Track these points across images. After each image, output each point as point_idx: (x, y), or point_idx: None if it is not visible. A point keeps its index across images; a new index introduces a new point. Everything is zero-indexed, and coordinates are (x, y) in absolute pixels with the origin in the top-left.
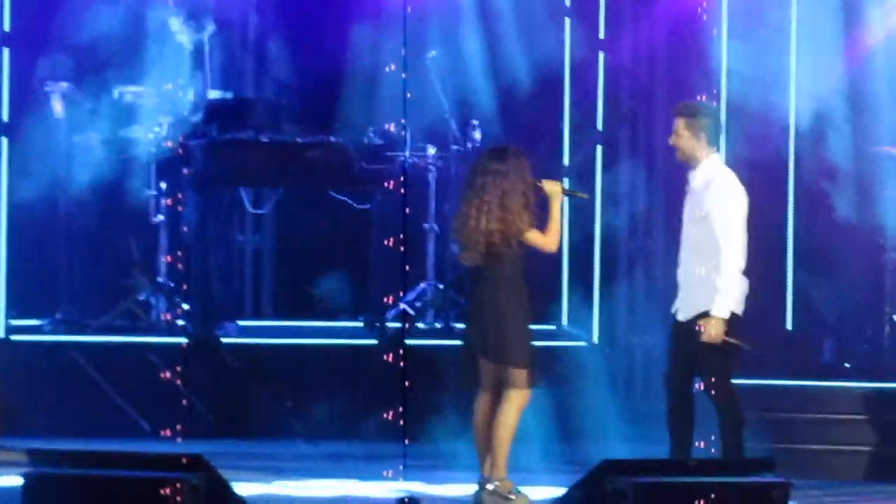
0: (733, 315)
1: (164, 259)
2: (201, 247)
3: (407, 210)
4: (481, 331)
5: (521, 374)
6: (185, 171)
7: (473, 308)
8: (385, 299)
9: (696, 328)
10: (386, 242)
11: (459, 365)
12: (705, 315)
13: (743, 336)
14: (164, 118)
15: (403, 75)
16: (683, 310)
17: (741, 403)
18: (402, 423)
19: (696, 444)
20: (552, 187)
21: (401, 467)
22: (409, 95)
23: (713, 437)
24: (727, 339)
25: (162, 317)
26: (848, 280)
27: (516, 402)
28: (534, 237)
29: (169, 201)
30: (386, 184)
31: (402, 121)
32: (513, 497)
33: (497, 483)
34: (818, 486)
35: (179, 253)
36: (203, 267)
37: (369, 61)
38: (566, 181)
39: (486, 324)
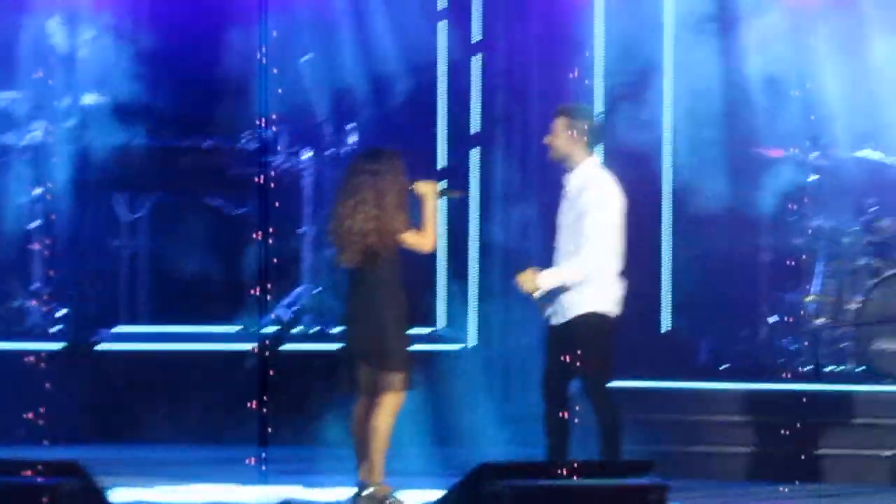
0: (609, 317)
1: (40, 264)
2: (76, 252)
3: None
4: (359, 334)
5: (397, 378)
6: (59, 175)
7: (351, 311)
8: (259, 304)
9: (570, 329)
10: (254, 235)
11: (335, 369)
12: (581, 316)
13: (616, 337)
14: (38, 123)
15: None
16: (558, 314)
17: (618, 406)
18: (267, 427)
19: (573, 448)
20: (426, 188)
21: (262, 468)
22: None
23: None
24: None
25: (37, 323)
26: (724, 281)
27: (391, 406)
28: (409, 238)
29: (43, 205)
30: (256, 179)
31: (262, 121)
32: (389, 502)
33: (374, 488)
34: (698, 487)
35: (55, 258)
36: (78, 272)
37: (243, 65)
38: (444, 183)
39: (364, 327)
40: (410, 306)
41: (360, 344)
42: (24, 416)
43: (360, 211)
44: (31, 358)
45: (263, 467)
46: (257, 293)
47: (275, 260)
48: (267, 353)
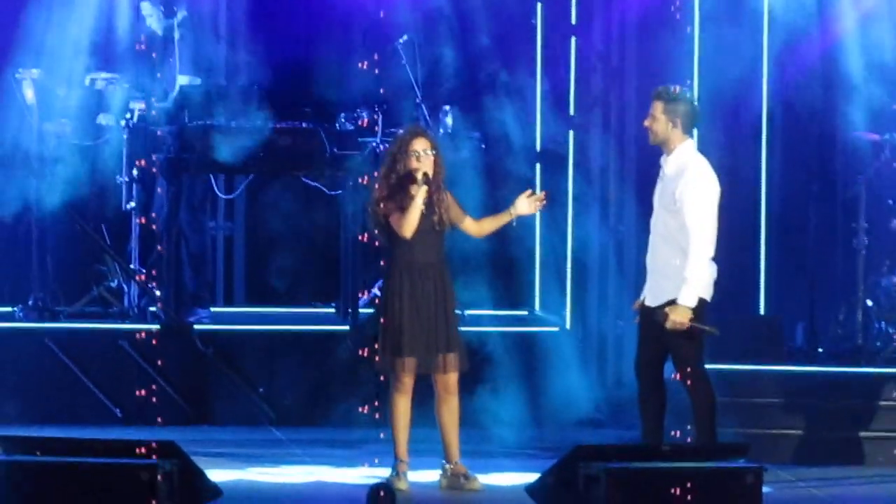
0: (701, 301)
1: (137, 245)
2: (173, 234)
3: None
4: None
5: (397, 363)
6: (155, 157)
7: None
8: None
9: (663, 315)
10: (360, 238)
11: None
12: (673, 302)
13: (712, 321)
14: (135, 104)
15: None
16: (652, 296)
17: (713, 388)
18: (376, 414)
19: (671, 432)
20: (422, 186)
21: (376, 460)
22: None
23: (688, 427)
24: (693, 324)
25: (134, 304)
26: (821, 265)
27: (394, 388)
28: (394, 221)
29: (141, 186)
30: (361, 180)
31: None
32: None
33: (451, 466)
34: (790, 470)
35: (152, 239)
36: (175, 254)
37: (341, 47)
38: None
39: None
40: (507, 288)
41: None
42: (118, 397)
43: (376, 187)
44: (128, 339)
45: (376, 459)
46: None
47: (376, 243)
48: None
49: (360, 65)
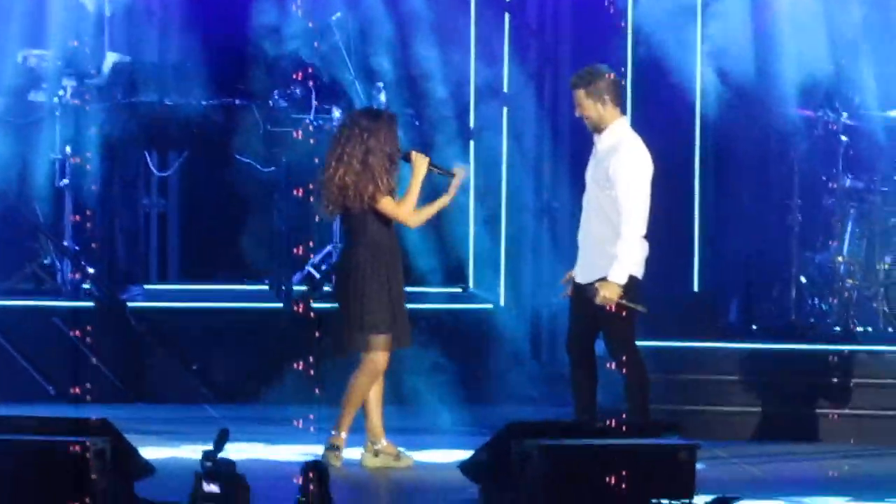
0: (632, 278)
1: (70, 222)
2: (107, 210)
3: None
4: (339, 294)
5: (372, 340)
6: (89, 133)
7: (336, 271)
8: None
9: (594, 291)
10: (296, 192)
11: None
12: (605, 279)
13: (645, 298)
14: (67, 82)
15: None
16: (583, 273)
17: (645, 365)
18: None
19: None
20: (419, 160)
21: (311, 429)
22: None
23: (621, 403)
24: (622, 302)
25: (67, 281)
26: (755, 241)
27: (367, 367)
28: (386, 204)
29: (74, 163)
30: (295, 134)
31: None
32: (398, 455)
33: (381, 445)
34: (723, 446)
35: (85, 216)
36: (108, 230)
37: (275, 23)
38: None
39: (343, 287)
40: (442, 265)
41: (341, 304)
42: (52, 374)
43: (344, 163)
44: (62, 316)
45: (312, 427)
46: (298, 252)
47: (317, 218)
48: (312, 313)
49: (293, 41)
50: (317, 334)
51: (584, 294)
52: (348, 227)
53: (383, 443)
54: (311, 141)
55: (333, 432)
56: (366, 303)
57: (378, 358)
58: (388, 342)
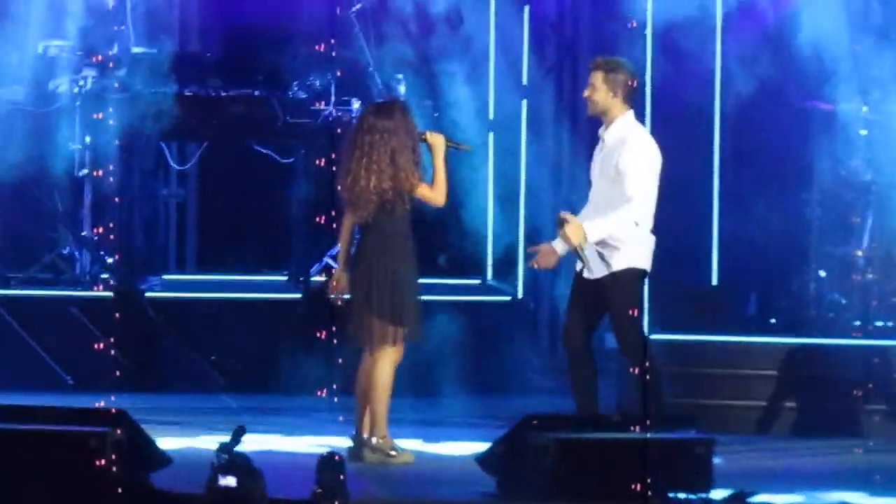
0: (640, 271)
1: (88, 213)
2: (126, 201)
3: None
4: (370, 286)
5: (400, 332)
6: (109, 124)
7: (363, 263)
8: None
9: (605, 284)
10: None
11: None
12: (613, 275)
13: (663, 290)
14: (88, 72)
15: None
16: (594, 268)
17: (654, 358)
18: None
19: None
20: (436, 139)
21: (340, 418)
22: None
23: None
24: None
25: (85, 270)
26: (773, 235)
27: (390, 359)
28: (424, 192)
29: (93, 153)
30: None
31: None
32: (392, 454)
33: (378, 440)
34: (740, 441)
35: (104, 206)
36: (127, 221)
37: (294, 14)
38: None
39: (377, 279)
40: (460, 258)
41: (369, 296)
42: (69, 364)
43: (375, 171)
44: (80, 306)
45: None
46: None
47: (332, 213)
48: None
49: (313, 33)
50: (333, 328)
51: (590, 288)
52: (378, 223)
53: (384, 438)
54: (339, 130)
55: (374, 439)
56: (408, 297)
57: (401, 349)
58: (417, 334)
